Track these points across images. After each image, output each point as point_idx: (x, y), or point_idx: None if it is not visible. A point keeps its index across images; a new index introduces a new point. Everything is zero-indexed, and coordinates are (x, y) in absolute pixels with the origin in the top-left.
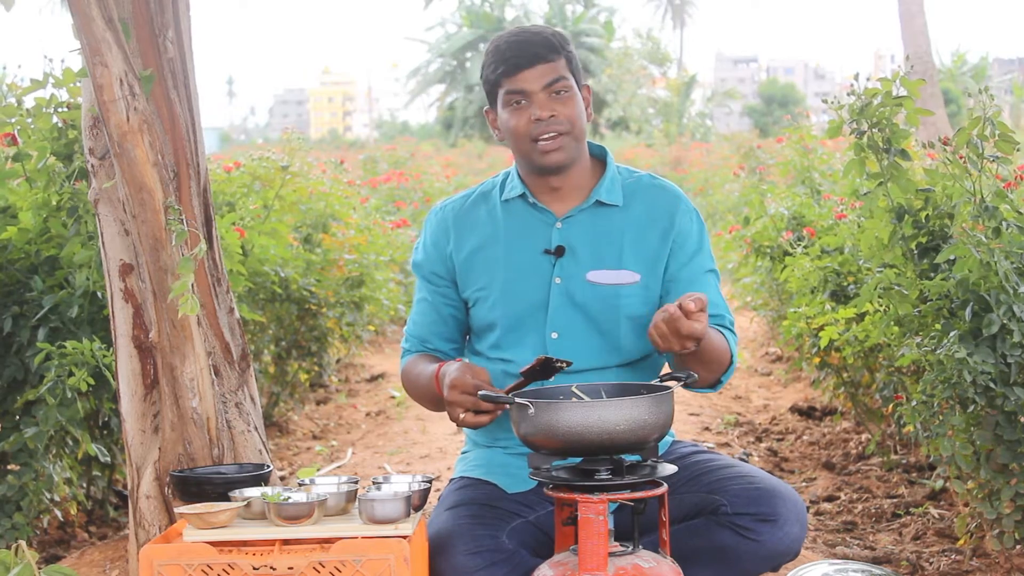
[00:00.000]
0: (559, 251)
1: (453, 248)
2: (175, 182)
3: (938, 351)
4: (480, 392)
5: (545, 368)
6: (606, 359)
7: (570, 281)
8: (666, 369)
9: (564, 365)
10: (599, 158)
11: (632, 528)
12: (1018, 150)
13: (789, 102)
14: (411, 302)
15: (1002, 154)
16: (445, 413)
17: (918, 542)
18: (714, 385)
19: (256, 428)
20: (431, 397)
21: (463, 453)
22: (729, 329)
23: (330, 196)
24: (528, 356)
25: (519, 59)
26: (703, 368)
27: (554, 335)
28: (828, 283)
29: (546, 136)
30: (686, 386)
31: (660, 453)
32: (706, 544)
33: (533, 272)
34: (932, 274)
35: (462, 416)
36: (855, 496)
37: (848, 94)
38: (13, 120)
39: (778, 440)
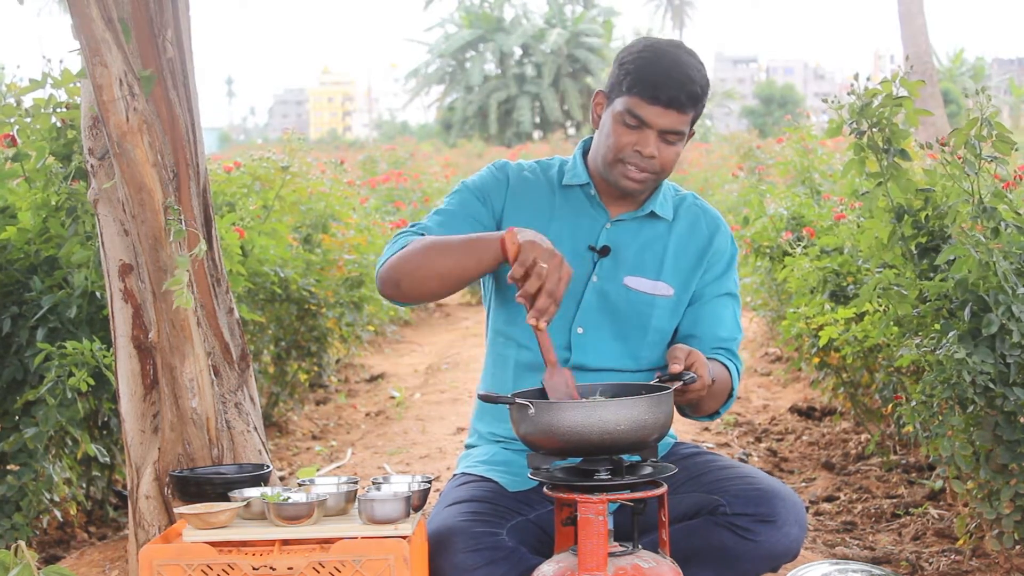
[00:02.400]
0: (604, 251)
1: (508, 201)
2: (175, 182)
3: (937, 351)
4: (480, 393)
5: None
6: (623, 363)
7: (607, 282)
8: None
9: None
10: None
11: (632, 528)
12: (1016, 150)
13: (788, 102)
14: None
15: (1000, 155)
16: (444, 414)
17: (918, 542)
18: (712, 415)
19: (256, 428)
20: (472, 248)
21: (467, 447)
22: (734, 358)
23: (330, 196)
24: (551, 347)
25: (660, 95)
26: (707, 401)
27: (580, 330)
28: (827, 283)
29: (637, 169)
30: (684, 414)
31: (661, 455)
32: (705, 544)
33: (574, 264)
34: (931, 274)
35: (543, 266)
36: (855, 496)
37: (848, 94)
38: (12, 120)
39: (778, 440)
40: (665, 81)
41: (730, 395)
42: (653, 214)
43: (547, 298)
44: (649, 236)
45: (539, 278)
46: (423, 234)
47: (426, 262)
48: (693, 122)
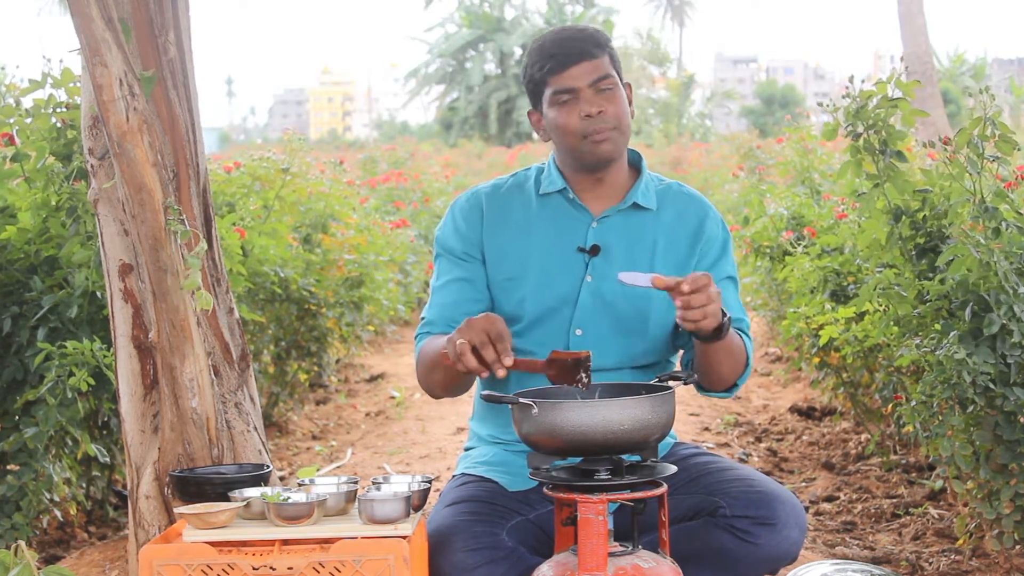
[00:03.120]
0: (594, 250)
1: (485, 231)
2: (175, 182)
3: (937, 351)
4: (483, 392)
5: (573, 368)
6: (624, 360)
7: (602, 280)
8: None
9: (584, 384)
10: (633, 162)
11: (632, 528)
12: (1018, 150)
13: (789, 102)
14: (411, 302)
15: (1002, 154)
16: (444, 414)
17: (918, 542)
18: (729, 388)
19: (256, 428)
20: (441, 363)
21: (466, 450)
22: (746, 334)
23: (329, 196)
24: (549, 351)
25: (566, 56)
26: (727, 362)
27: (578, 332)
28: (828, 283)
29: (599, 132)
30: (701, 389)
31: (662, 455)
32: (704, 546)
33: (565, 268)
34: (930, 275)
35: (460, 341)
36: (855, 496)
37: (844, 96)
38: (11, 120)
39: (778, 440)
40: (561, 45)
41: (746, 366)
42: (636, 205)
43: (488, 351)
44: (636, 229)
45: (461, 359)
46: (432, 329)
47: (432, 380)
48: (616, 68)
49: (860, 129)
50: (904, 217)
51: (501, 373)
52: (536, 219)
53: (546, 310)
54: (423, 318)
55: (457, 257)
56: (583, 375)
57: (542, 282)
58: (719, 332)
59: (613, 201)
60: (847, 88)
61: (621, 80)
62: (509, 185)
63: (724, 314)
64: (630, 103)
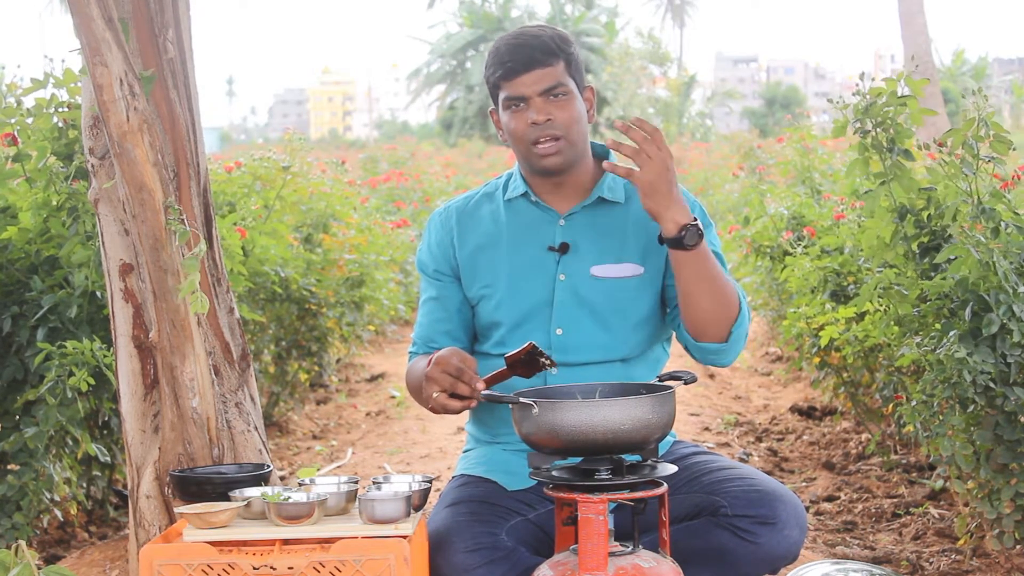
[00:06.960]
0: (563, 248)
1: (457, 246)
2: (175, 182)
3: (938, 351)
4: (483, 392)
5: (530, 360)
6: (609, 353)
7: (575, 277)
8: (666, 370)
9: (549, 364)
10: (602, 157)
11: (632, 528)
12: (1014, 150)
13: (790, 102)
14: (411, 302)
15: (997, 154)
16: (444, 415)
17: (918, 542)
18: (724, 341)
19: (256, 428)
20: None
21: (465, 451)
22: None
23: (330, 196)
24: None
25: (516, 64)
26: (708, 290)
27: (559, 331)
28: (828, 283)
29: (543, 140)
30: (694, 349)
31: (661, 454)
32: (705, 545)
33: (537, 270)
34: (933, 274)
35: (435, 395)
36: (855, 496)
37: (853, 94)
38: (13, 120)
39: (778, 440)
40: (513, 52)
41: (738, 317)
42: (602, 199)
43: (461, 388)
44: (605, 222)
45: (446, 409)
46: (417, 348)
47: (415, 395)
48: (573, 73)
49: (869, 126)
50: (909, 216)
51: (480, 397)
52: (504, 226)
53: (523, 314)
54: (414, 335)
55: (429, 276)
56: (543, 359)
57: (515, 286)
58: (680, 240)
59: (579, 198)
60: (856, 85)
61: (581, 86)
62: (480, 195)
63: (689, 222)
64: (590, 107)
